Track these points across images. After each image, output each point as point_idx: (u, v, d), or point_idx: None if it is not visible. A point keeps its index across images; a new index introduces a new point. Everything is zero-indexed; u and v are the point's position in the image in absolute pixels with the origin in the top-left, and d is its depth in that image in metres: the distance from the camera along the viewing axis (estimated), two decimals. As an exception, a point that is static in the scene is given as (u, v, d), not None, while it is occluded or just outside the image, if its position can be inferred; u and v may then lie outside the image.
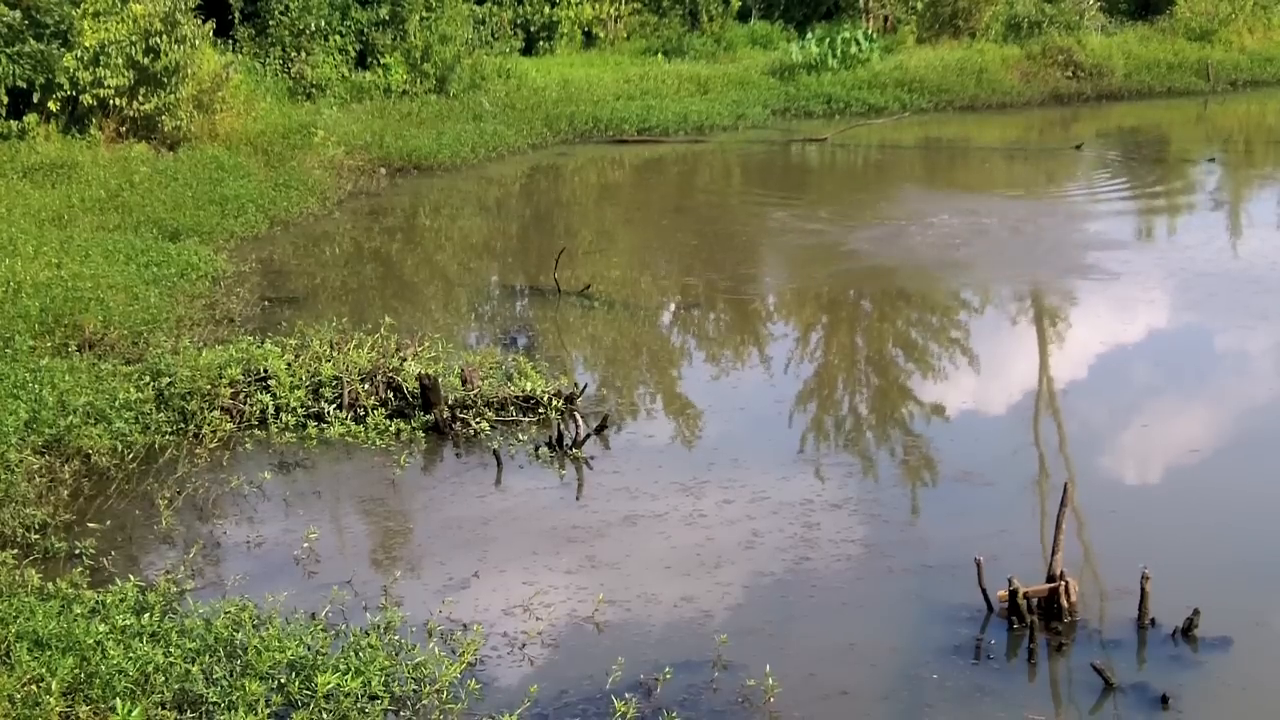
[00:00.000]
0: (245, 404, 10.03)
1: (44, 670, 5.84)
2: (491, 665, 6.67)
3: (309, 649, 6.27)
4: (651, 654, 6.74)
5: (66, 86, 17.96)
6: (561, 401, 10.24)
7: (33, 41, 17.34)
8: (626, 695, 6.20)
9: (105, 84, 18.12)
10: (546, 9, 31.62)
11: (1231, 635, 6.79)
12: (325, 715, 5.82)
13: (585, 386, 10.58)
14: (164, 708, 5.81)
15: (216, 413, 9.82)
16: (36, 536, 7.91)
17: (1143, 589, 6.87)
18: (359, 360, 10.47)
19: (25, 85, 17.58)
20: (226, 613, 6.60)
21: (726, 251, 16.55)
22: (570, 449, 9.48)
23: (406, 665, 6.31)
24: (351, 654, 6.28)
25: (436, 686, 6.20)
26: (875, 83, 29.48)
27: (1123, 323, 12.85)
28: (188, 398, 9.83)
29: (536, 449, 9.54)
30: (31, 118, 17.84)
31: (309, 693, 5.91)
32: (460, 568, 7.79)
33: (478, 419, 10.01)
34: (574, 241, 16.80)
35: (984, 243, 16.66)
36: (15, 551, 7.53)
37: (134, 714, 5.50)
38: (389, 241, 17.56)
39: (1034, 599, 6.96)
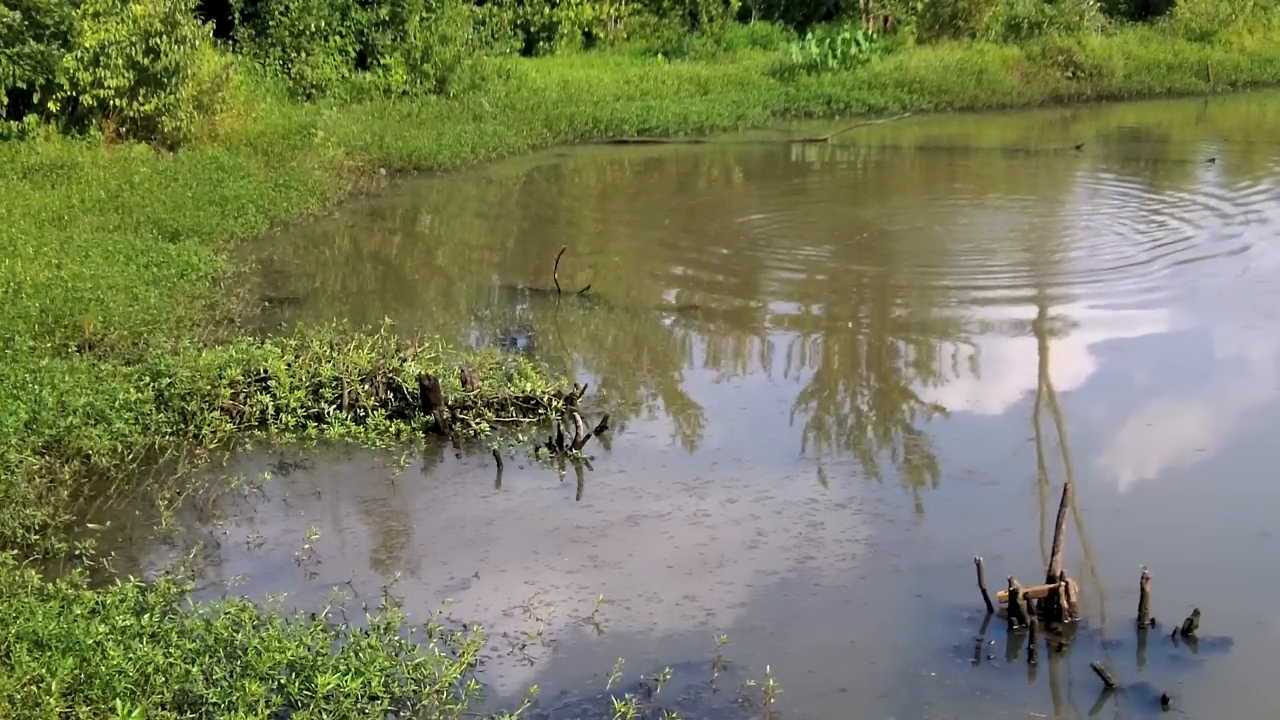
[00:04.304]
0: (245, 404, 10.03)
1: (44, 671, 5.84)
2: (492, 666, 6.67)
3: (309, 650, 6.27)
4: (652, 654, 6.74)
5: (66, 87, 17.96)
6: (562, 402, 10.25)
7: (33, 42, 17.34)
8: (627, 696, 6.20)
9: (105, 84, 18.12)
10: (546, 9, 31.62)
11: (1231, 635, 6.80)
12: (325, 716, 5.82)
13: (585, 387, 10.58)
14: (164, 708, 5.81)
15: (216, 413, 9.82)
16: (36, 537, 7.91)
17: (1143, 589, 6.87)
18: (359, 361, 10.47)
19: (25, 86, 17.58)
20: (226, 613, 6.60)
21: (727, 252, 16.54)
22: (570, 449, 9.48)
23: (406, 666, 6.31)
24: (351, 654, 6.28)
25: (436, 687, 6.20)
26: (875, 83, 29.49)
27: (1127, 322, 12.85)
28: (188, 398, 9.83)
29: (536, 450, 9.54)
30: (31, 118, 17.84)
31: (309, 693, 5.91)
32: (461, 568, 7.79)
33: (478, 420, 10.01)
34: (574, 242, 16.80)
35: (985, 243, 16.66)
36: (15, 552, 7.53)
37: (134, 714, 5.50)
38: (389, 242, 17.57)
39: (1034, 599, 6.96)
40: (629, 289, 14.91)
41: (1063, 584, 6.98)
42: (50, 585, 6.95)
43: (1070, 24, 33.00)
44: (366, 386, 10.29)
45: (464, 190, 20.97)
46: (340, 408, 10.10)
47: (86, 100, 18.20)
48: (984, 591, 7.03)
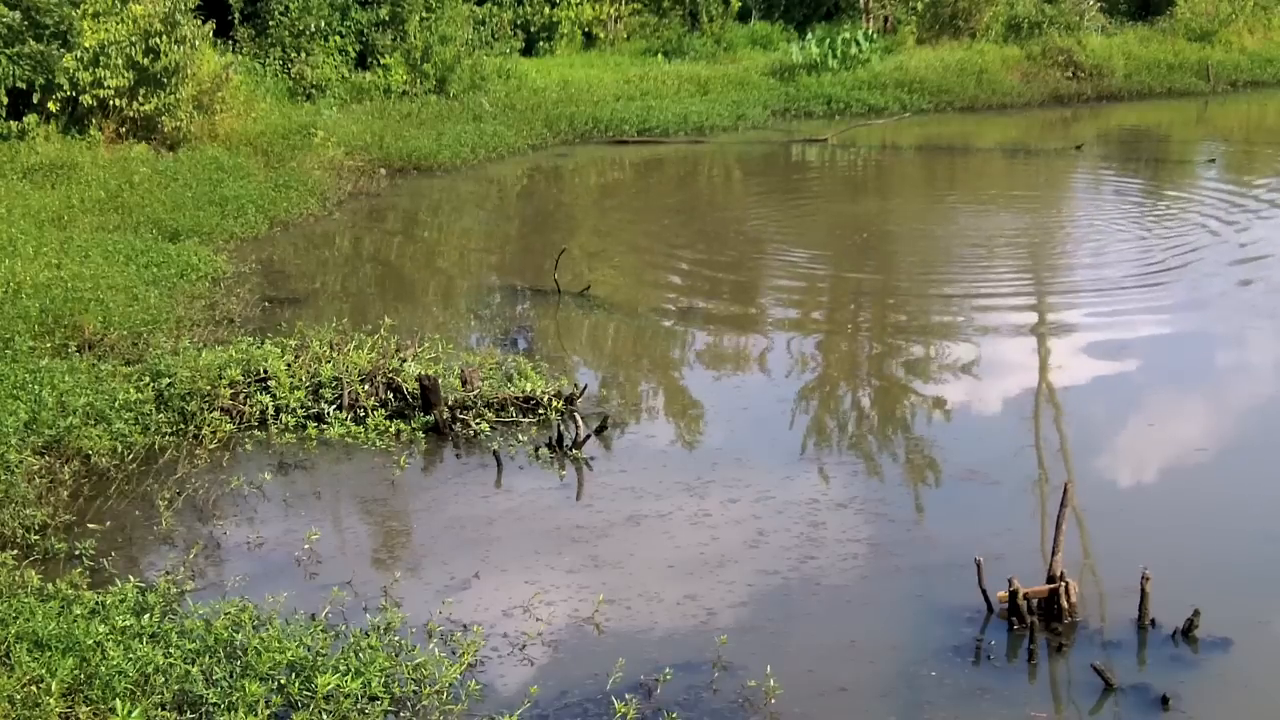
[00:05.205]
0: (245, 405, 10.03)
1: (44, 671, 5.84)
2: (492, 666, 6.67)
3: (309, 650, 6.26)
4: (653, 654, 6.73)
5: (66, 87, 17.95)
6: (561, 402, 10.24)
7: (33, 42, 17.33)
8: (627, 696, 6.20)
9: (105, 84, 18.12)
10: (546, 9, 31.63)
11: (1231, 635, 6.79)
12: (325, 716, 5.81)
13: (585, 387, 10.57)
14: (164, 709, 5.81)
15: (216, 413, 9.81)
16: (36, 537, 7.91)
17: (1143, 589, 6.87)
18: (359, 361, 10.47)
19: (25, 86, 17.58)
20: (226, 614, 6.60)
21: (727, 252, 16.55)
22: (570, 449, 9.48)
23: (407, 666, 6.31)
24: (351, 655, 6.28)
25: (436, 687, 6.20)
26: (875, 83, 29.50)
27: (1128, 322, 12.82)
28: (188, 398, 9.83)
29: (536, 450, 9.54)
30: (31, 118, 17.84)
31: (309, 694, 5.91)
32: (461, 568, 7.78)
33: (478, 420, 10.01)
34: (574, 242, 16.79)
35: (985, 243, 16.65)
36: (15, 552, 7.52)
37: (134, 715, 5.50)
38: (389, 242, 17.57)
39: (1034, 600, 6.96)
40: (629, 289, 14.90)
41: (1063, 584, 6.97)
42: (50, 585, 6.94)
43: (1070, 24, 33.02)
44: (366, 386, 10.29)
45: (464, 190, 20.97)
46: (340, 408, 10.10)
47: (86, 100, 18.19)
48: (984, 592, 7.03)
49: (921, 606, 7.27)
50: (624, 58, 31.75)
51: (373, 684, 6.05)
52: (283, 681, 6.01)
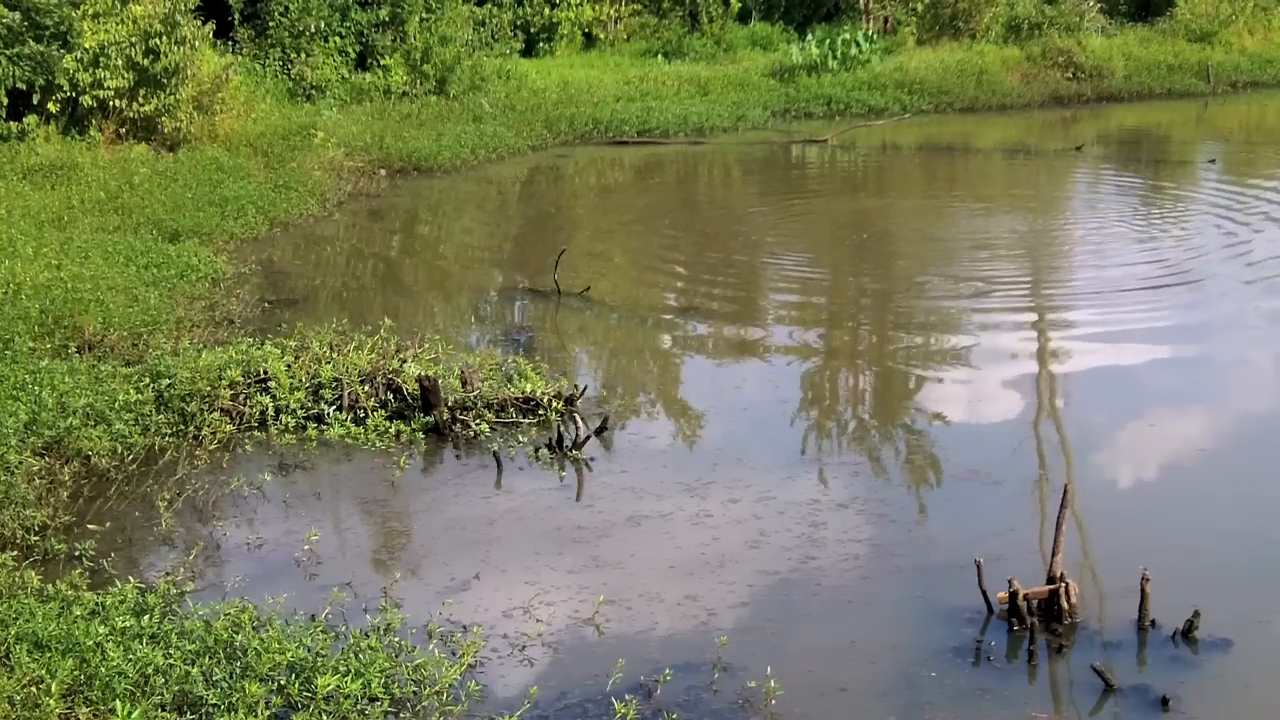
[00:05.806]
0: (245, 405, 10.02)
1: (44, 672, 5.84)
2: (492, 667, 6.66)
3: (309, 651, 6.26)
4: (653, 655, 6.73)
5: (66, 88, 17.95)
6: (561, 403, 10.24)
7: (33, 43, 17.32)
8: (627, 697, 6.19)
9: (105, 85, 18.12)
10: (546, 10, 31.63)
11: (1231, 636, 6.79)
12: (325, 717, 5.81)
13: (585, 388, 10.57)
14: (164, 709, 5.81)
15: (216, 414, 9.81)
16: (36, 538, 7.91)
17: (1143, 590, 6.87)
18: (359, 362, 10.47)
19: (25, 86, 17.58)
20: (226, 614, 6.60)
21: (727, 252, 16.54)
22: (571, 450, 9.47)
23: (406, 667, 6.31)
24: (351, 656, 6.27)
25: (436, 688, 6.20)
26: (875, 84, 29.51)
27: (1129, 324, 12.81)
28: (187, 399, 9.83)
29: (536, 450, 9.54)
30: (31, 119, 17.84)
31: (309, 694, 5.91)
32: (461, 569, 7.78)
33: (478, 420, 10.01)
34: (574, 243, 16.78)
35: (986, 243, 16.65)
36: (15, 553, 7.52)
37: (134, 716, 5.49)
38: (389, 243, 17.57)
39: (1034, 600, 6.96)
40: (629, 290, 14.90)
41: (1063, 585, 6.97)
42: (50, 586, 6.94)
43: (1070, 25, 33.02)
44: (366, 387, 10.29)
45: (464, 191, 20.97)
46: (340, 409, 10.09)
47: (86, 101, 18.19)
48: (984, 592, 7.03)
49: (922, 607, 7.27)
50: (624, 58, 31.76)
51: (373, 685, 6.05)
52: (283, 682, 6.01)
